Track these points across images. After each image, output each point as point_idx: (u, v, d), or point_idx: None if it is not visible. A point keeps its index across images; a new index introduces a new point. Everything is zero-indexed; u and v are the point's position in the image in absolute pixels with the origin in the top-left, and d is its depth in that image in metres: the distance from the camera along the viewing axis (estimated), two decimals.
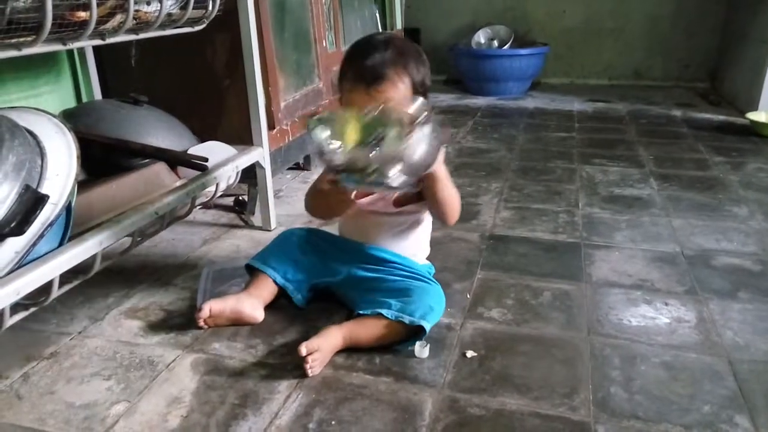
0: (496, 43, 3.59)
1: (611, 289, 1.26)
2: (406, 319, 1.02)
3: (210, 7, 1.33)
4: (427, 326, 1.03)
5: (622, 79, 3.76)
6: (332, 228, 1.28)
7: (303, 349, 0.97)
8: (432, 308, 1.06)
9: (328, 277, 1.18)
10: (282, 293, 1.17)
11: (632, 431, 0.86)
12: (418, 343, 1.03)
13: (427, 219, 1.21)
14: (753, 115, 2.54)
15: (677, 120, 2.81)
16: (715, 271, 1.33)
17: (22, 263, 0.89)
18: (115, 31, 1.10)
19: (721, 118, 2.83)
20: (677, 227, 1.57)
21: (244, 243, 1.52)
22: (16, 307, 0.91)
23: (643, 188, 1.88)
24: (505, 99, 3.39)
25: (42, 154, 0.95)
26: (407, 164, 0.91)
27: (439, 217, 1.14)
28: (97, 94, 1.70)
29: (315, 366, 0.98)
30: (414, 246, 1.20)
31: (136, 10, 1.11)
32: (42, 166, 0.93)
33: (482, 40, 3.64)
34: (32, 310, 0.97)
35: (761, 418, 0.88)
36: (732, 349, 1.05)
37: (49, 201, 0.90)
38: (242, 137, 1.54)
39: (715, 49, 3.51)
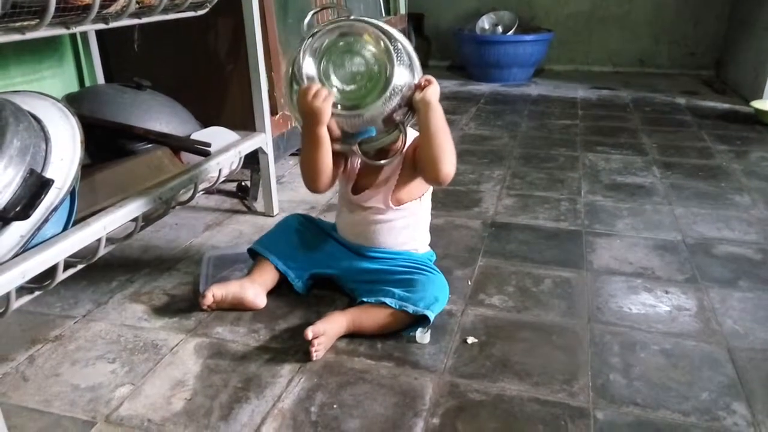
0: (500, 29, 3.56)
1: (612, 277, 1.26)
2: (410, 308, 1.02)
3: None
4: (432, 315, 1.03)
5: (627, 67, 3.74)
6: (332, 216, 1.28)
7: (309, 333, 0.98)
8: (437, 299, 1.06)
9: (329, 267, 1.18)
10: (284, 279, 1.18)
11: (631, 417, 0.87)
12: (419, 329, 1.04)
13: (425, 210, 1.19)
14: (757, 104, 2.53)
15: (681, 108, 2.80)
16: (716, 260, 1.33)
17: (27, 247, 0.90)
18: (118, 15, 1.10)
19: (726, 106, 2.82)
20: (679, 215, 1.57)
21: (247, 228, 1.53)
22: (21, 291, 0.92)
23: (646, 176, 1.88)
24: (508, 85, 3.37)
25: (46, 139, 0.95)
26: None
27: (432, 167, 1.02)
28: (100, 79, 1.70)
29: (319, 350, 0.99)
30: (413, 242, 1.18)
31: None
32: (46, 151, 0.93)
33: (486, 26, 3.62)
34: (37, 293, 0.98)
35: (759, 405, 0.89)
36: (731, 337, 1.05)
37: (54, 185, 0.90)
38: (245, 123, 1.53)
39: (721, 36, 3.49)
